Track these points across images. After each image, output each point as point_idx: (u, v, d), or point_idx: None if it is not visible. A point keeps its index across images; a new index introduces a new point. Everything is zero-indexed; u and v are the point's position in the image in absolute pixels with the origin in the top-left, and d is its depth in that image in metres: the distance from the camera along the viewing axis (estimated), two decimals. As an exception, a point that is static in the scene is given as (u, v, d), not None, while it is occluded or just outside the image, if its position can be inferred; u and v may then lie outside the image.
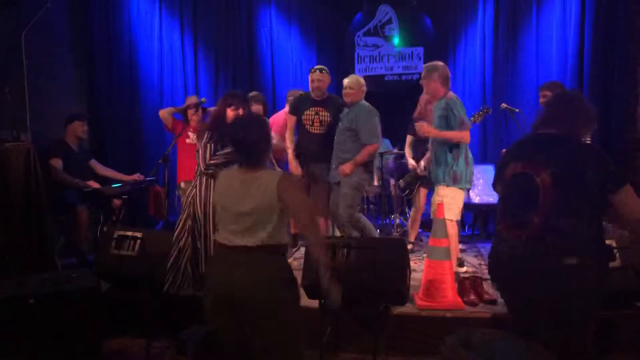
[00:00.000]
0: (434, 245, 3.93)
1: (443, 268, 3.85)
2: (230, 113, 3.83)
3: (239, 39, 7.28)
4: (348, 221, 4.71)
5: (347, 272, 3.41)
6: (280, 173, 2.56)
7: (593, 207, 2.39)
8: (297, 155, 5.05)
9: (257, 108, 5.32)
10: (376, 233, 5.00)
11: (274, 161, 4.90)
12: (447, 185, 4.31)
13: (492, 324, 3.51)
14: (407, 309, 3.72)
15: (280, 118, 5.51)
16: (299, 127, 5.04)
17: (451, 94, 4.40)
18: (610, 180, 2.35)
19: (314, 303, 3.43)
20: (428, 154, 4.85)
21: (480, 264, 4.97)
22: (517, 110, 5.29)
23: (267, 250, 2.44)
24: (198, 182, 3.92)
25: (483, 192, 5.85)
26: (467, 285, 3.93)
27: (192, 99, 5.55)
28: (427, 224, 5.31)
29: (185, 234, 3.89)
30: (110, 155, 6.44)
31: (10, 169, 4.13)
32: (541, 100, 4.86)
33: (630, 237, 3.81)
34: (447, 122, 4.28)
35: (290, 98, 5.60)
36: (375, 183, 5.81)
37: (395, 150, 6.12)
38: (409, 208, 6.49)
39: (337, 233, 5.01)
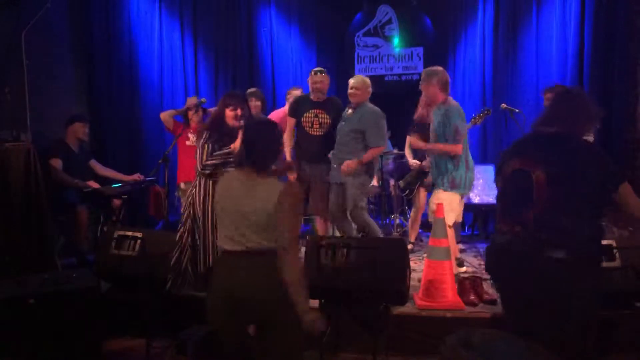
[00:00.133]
0: (434, 245, 3.93)
1: (443, 268, 3.85)
2: (229, 113, 3.84)
3: (239, 39, 7.28)
4: (361, 222, 4.74)
5: (347, 272, 3.42)
6: (284, 183, 2.52)
7: (591, 206, 2.42)
8: (297, 157, 5.05)
9: (256, 104, 5.31)
10: (381, 234, 5.00)
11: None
12: (445, 190, 4.33)
13: (492, 324, 3.52)
14: (407, 309, 3.72)
15: (279, 116, 5.51)
16: (299, 129, 5.04)
17: (451, 101, 4.38)
18: (610, 180, 2.40)
19: (314, 303, 3.43)
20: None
21: (480, 264, 4.97)
22: (517, 110, 5.29)
23: (268, 253, 2.43)
24: (197, 183, 3.92)
25: (483, 192, 5.85)
26: (467, 285, 3.93)
27: (192, 100, 5.55)
28: (427, 224, 5.31)
29: (186, 233, 3.89)
30: (110, 155, 6.44)
31: (10, 169, 4.13)
32: (545, 103, 4.88)
33: (631, 237, 3.82)
34: (444, 130, 4.30)
35: (290, 97, 5.60)
36: (375, 183, 5.80)
37: (395, 151, 6.12)
38: (409, 208, 6.49)
39: (337, 233, 5.01)
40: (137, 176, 5.43)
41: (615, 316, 3.44)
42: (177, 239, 3.87)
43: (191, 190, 3.96)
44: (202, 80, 7.23)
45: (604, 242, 3.45)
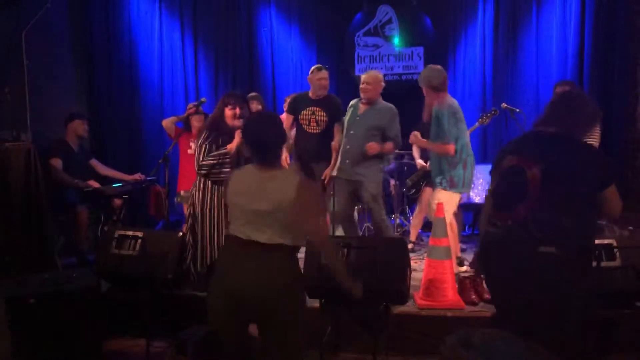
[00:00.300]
0: (434, 245, 3.93)
1: (443, 267, 3.85)
2: (228, 112, 3.83)
3: (239, 39, 7.28)
4: (378, 218, 4.75)
5: (347, 271, 3.41)
6: (299, 174, 2.54)
7: (585, 206, 2.46)
8: (298, 157, 5.05)
9: (257, 108, 5.32)
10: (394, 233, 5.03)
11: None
12: (445, 189, 4.34)
13: (492, 323, 3.51)
14: (407, 308, 3.72)
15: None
16: (297, 127, 5.04)
17: (445, 102, 4.35)
18: (604, 182, 2.47)
19: (314, 302, 3.43)
20: None
21: (480, 264, 4.96)
22: (517, 110, 5.29)
23: (279, 250, 2.43)
24: (197, 182, 3.93)
25: (483, 191, 5.85)
26: (467, 284, 3.93)
27: (193, 104, 5.54)
28: (428, 224, 5.32)
29: (188, 233, 3.91)
30: (110, 155, 6.45)
31: (10, 168, 4.13)
32: (555, 98, 4.88)
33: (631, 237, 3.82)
34: (436, 131, 4.33)
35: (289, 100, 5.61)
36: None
37: (395, 151, 6.12)
38: (409, 208, 6.50)
39: (337, 233, 5.00)
40: (137, 176, 5.43)
41: (615, 316, 3.44)
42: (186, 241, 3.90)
43: (192, 190, 3.97)
44: (202, 80, 7.23)
45: (605, 241, 3.46)
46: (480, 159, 6.26)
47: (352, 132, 4.76)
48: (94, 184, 5.20)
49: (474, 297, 3.85)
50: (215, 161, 3.76)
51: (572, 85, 5.02)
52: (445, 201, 4.23)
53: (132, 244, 3.87)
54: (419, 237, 5.77)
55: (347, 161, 4.74)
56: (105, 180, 5.41)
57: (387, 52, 7.20)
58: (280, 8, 7.35)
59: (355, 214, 5.43)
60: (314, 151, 4.94)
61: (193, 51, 7.16)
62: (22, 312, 3.11)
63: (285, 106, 5.58)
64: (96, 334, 3.39)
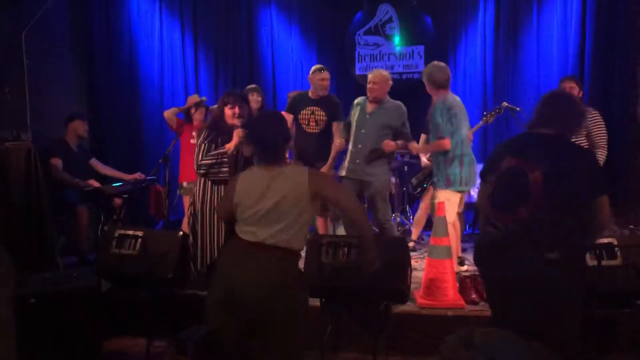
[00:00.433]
0: (435, 244, 3.93)
1: (444, 267, 3.85)
2: (228, 112, 3.82)
3: (239, 39, 7.27)
4: (384, 217, 4.74)
5: (348, 271, 3.41)
6: (307, 169, 2.56)
7: (584, 208, 2.48)
8: (298, 156, 5.04)
9: (257, 99, 5.29)
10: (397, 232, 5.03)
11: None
12: (441, 188, 4.35)
13: (492, 322, 3.51)
14: (408, 307, 3.72)
15: None
16: (296, 127, 5.03)
17: (442, 97, 4.37)
18: (594, 188, 2.48)
19: (315, 302, 3.42)
20: None
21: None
22: (517, 109, 5.29)
23: (280, 252, 2.44)
24: (198, 182, 3.93)
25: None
26: (468, 283, 3.92)
27: (193, 98, 5.54)
28: (429, 223, 5.32)
29: (190, 232, 3.91)
30: (110, 154, 6.44)
31: (10, 168, 4.13)
32: None
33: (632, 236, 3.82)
34: (432, 126, 4.36)
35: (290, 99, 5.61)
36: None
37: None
38: (410, 207, 6.49)
39: (337, 232, 5.00)
40: (137, 175, 5.42)
41: (616, 315, 3.43)
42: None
43: (193, 189, 3.98)
44: (203, 79, 7.23)
45: (605, 240, 3.45)
46: (481, 158, 6.24)
47: (363, 131, 4.71)
48: (94, 183, 5.19)
49: (474, 296, 3.85)
50: (213, 161, 3.75)
51: (576, 80, 5.01)
52: (444, 200, 4.23)
53: (133, 243, 3.86)
54: (420, 237, 5.76)
55: (358, 161, 4.70)
56: (106, 180, 5.41)
57: (388, 51, 7.19)
58: (281, 7, 7.34)
59: None
60: (313, 151, 4.94)
61: (193, 51, 7.16)
62: (22, 311, 3.11)
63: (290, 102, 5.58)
64: (96, 333, 3.39)
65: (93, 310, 3.35)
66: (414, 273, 3.96)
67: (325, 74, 4.93)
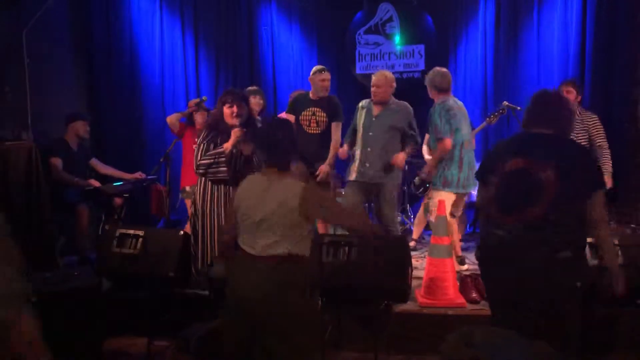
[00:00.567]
0: (436, 243, 3.93)
1: (444, 266, 3.85)
2: (226, 111, 3.80)
3: (240, 38, 7.27)
4: (391, 220, 4.75)
5: (348, 270, 3.41)
6: (302, 185, 2.52)
7: (587, 206, 2.51)
8: (300, 157, 5.04)
9: (259, 102, 5.29)
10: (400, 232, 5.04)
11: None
12: (438, 189, 4.37)
13: (492, 322, 3.51)
14: (408, 306, 3.72)
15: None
16: (297, 128, 5.02)
17: (442, 100, 4.40)
18: (593, 184, 2.52)
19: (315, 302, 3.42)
20: None
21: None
22: (518, 108, 5.29)
23: (282, 259, 2.44)
24: (199, 181, 3.93)
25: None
26: (468, 282, 3.93)
27: (194, 101, 5.52)
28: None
29: (191, 232, 3.92)
30: (110, 154, 6.43)
31: (11, 167, 4.14)
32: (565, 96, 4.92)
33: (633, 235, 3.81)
34: (431, 128, 4.40)
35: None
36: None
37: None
38: (411, 206, 6.49)
39: (338, 231, 4.99)
40: (138, 174, 5.41)
41: (616, 314, 3.44)
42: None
43: (194, 189, 3.98)
44: (203, 78, 7.22)
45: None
46: (482, 157, 6.25)
47: (370, 134, 4.69)
48: (95, 182, 5.19)
49: (475, 295, 3.85)
50: (211, 160, 3.74)
51: (574, 84, 5.08)
52: (443, 201, 4.23)
53: (133, 242, 3.87)
54: (420, 236, 5.76)
55: (368, 164, 4.67)
56: (106, 179, 5.40)
57: (388, 50, 7.19)
58: (281, 6, 7.34)
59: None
60: (313, 152, 4.92)
61: (194, 50, 7.15)
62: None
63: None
64: (97, 332, 3.39)
65: (94, 310, 3.35)
66: (415, 272, 3.97)
67: (326, 75, 4.93)
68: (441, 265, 3.85)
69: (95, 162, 5.50)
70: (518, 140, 2.77)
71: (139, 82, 6.77)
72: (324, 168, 4.84)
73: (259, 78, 7.18)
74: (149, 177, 5.41)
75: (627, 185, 5.29)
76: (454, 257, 4.09)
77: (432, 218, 4.26)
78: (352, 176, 4.76)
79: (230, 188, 3.72)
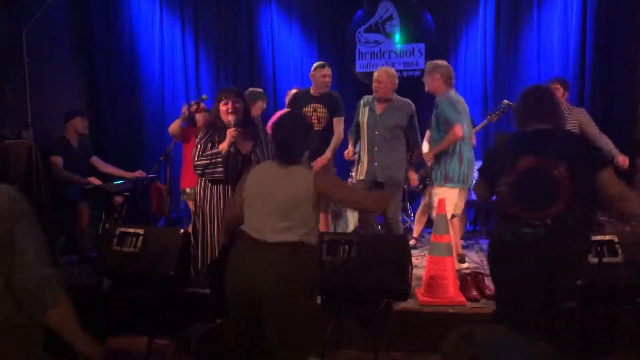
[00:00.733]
0: (436, 242, 3.93)
1: (445, 264, 3.85)
2: (222, 108, 3.76)
3: (240, 36, 7.27)
4: (394, 218, 4.77)
5: (349, 268, 3.41)
6: (312, 170, 2.61)
7: (588, 193, 2.61)
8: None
9: (262, 106, 5.30)
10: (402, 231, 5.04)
11: None
12: (440, 184, 4.35)
13: (493, 319, 3.50)
14: (409, 304, 3.72)
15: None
16: None
17: (449, 92, 4.39)
18: (596, 163, 2.60)
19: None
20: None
21: (482, 260, 4.96)
22: (518, 106, 5.27)
23: (289, 248, 2.45)
24: (199, 181, 3.92)
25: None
26: (469, 281, 3.93)
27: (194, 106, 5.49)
28: (430, 221, 5.32)
29: (192, 231, 3.91)
30: (111, 152, 6.43)
31: (11, 166, 4.12)
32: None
33: (633, 233, 3.81)
34: (437, 120, 4.35)
35: (289, 98, 5.61)
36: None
37: None
38: (411, 204, 6.49)
39: (338, 229, 5.00)
40: (138, 173, 5.41)
41: (617, 312, 3.43)
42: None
43: (194, 190, 3.98)
44: (203, 77, 7.22)
45: (607, 237, 3.45)
46: (482, 155, 6.24)
47: (376, 132, 4.70)
48: (95, 181, 5.19)
49: (475, 293, 3.85)
50: (207, 161, 3.71)
51: (562, 81, 5.14)
52: (442, 196, 4.23)
53: (134, 241, 3.87)
54: (420, 234, 5.76)
55: (376, 163, 4.69)
56: (107, 178, 5.40)
57: (388, 48, 7.19)
58: (281, 5, 7.34)
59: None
60: (315, 148, 4.91)
61: (194, 49, 7.15)
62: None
63: (287, 99, 5.58)
64: (97, 331, 3.37)
65: (94, 309, 3.34)
66: (415, 270, 3.97)
67: (327, 71, 4.94)
68: (441, 264, 3.85)
69: (95, 160, 5.50)
70: (521, 139, 2.76)
71: (139, 82, 6.77)
72: (319, 162, 4.83)
73: (259, 77, 7.18)
74: (149, 175, 5.41)
75: (627, 185, 5.28)
76: (454, 256, 4.09)
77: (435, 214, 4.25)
78: (362, 176, 4.78)
79: (229, 187, 3.71)
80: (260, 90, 5.60)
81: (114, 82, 6.66)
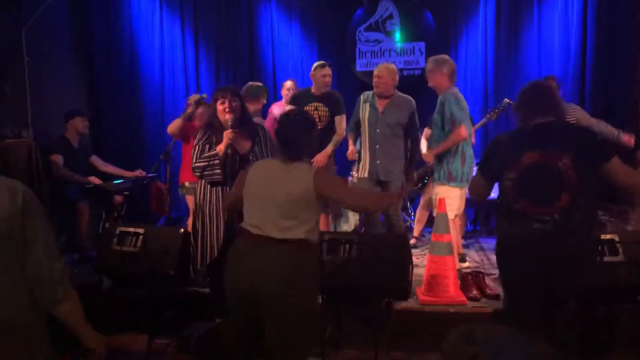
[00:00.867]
0: (436, 241, 3.93)
1: (445, 263, 3.84)
2: (219, 107, 3.74)
3: (240, 35, 7.26)
4: (396, 216, 4.78)
5: (349, 267, 3.41)
6: (314, 168, 2.60)
7: (594, 185, 2.62)
8: None
9: (262, 102, 5.30)
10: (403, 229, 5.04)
11: None
12: (442, 183, 4.33)
13: (494, 319, 3.51)
14: (409, 304, 3.72)
15: (279, 106, 5.51)
16: None
17: (453, 89, 4.38)
18: (601, 155, 2.61)
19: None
20: None
21: (482, 260, 4.96)
22: (519, 105, 5.27)
23: (289, 245, 2.44)
24: (199, 182, 3.92)
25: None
26: (469, 280, 3.92)
27: (193, 98, 5.49)
28: (431, 219, 5.31)
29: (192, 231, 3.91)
30: (111, 152, 6.42)
31: (11, 165, 4.13)
32: None
33: (633, 232, 3.81)
34: (441, 118, 4.31)
35: (284, 89, 5.65)
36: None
37: None
38: (411, 204, 6.49)
39: (339, 229, 5.00)
40: (138, 172, 5.41)
41: (618, 311, 3.43)
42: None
43: (193, 184, 3.98)
44: (203, 77, 7.21)
45: (607, 236, 3.45)
46: (482, 153, 6.24)
47: (378, 130, 4.67)
48: (95, 180, 5.19)
49: (476, 292, 3.85)
50: (205, 163, 3.70)
51: (554, 79, 5.15)
52: (445, 196, 4.22)
53: (134, 240, 3.87)
54: (421, 233, 5.76)
55: (378, 162, 4.67)
56: (106, 177, 5.40)
57: (389, 47, 7.18)
58: (281, 4, 7.33)
59: None
60: (317, 147, 4.90)
61: (194, 48, 7.14)
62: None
63: (284, 92, 5.56)
64: (97, 330, 3.38)
65: (94, 308, 3.33)
66: (416, 270, 3.96)
67: (327, 71, 4.93)
68: (442, 263, 3.84)
69: (95, 160, 5.49)
70: (525, 134, 2.75)
71: (139, 80, 6.77)
72: (319, 157, 4.83)
73: (259, 76, 7.16)
74: (149, 174, 5.40)
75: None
76: (455, 255, 4.08)
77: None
78: (364, 173, 4.76)
79: (227, 189, 3.70)
80: (260, 84, 5.59)
81: (114, 81, 6.65)
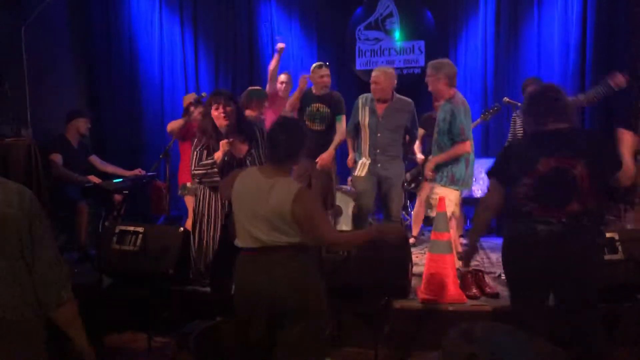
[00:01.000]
0: (436, 239, 3.92)
1: (445, 262, 3.84)
2: (214, 112, 3.73)
3: (240, 34, 7.26)
4: (397, 217, 4.80)
5: (349, 266, 3.41)
6: (298, 186, 2.49)
7: (605, 190, 2.69)
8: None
9: (265, 105, 5.29)
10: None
11: None
12: (444, 185, 4.31)
13: (494, 317, 3.51)
14: (409, 302, 3.72)
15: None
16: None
17: (459, 97, 4.31)
18: (613, 165, 2.70)
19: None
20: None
21: (482, 258, 4.96)
22: (519, 104, 5.28)
23: (283, 249, 2.43)
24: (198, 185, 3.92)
25: (485, 186, 5.83)
26: (469, 278, 3.92)
27: (189, 97, 5.47)
28: (429, 219, 5.31)
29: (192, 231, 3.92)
30: (110, 151, 6.43)
31: (10, 164, 4.13)
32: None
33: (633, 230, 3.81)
34: (449, 127, 4.22)
35: (278, 82, 5.63)
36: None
37: None
38: (411, 203, 6.48)
39: (339, 228, 5.00)
40: (138, 171, 5.41)
41: (617, 309, 3.43)
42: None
43: (195, 189, 3.98)
44: (203, 75, 7.21)
45: (607, 234, 3.45)
46: (482, 153, 6.25)
47: (379, 135, 4.63)
48: (94, 179, 5.18)
49: (475, 291, 3.85)
50: (204, 171, 3.71)
51: (540, 81, 5.07)
52: (443, 195, 4.21)
53: (133, 239, 3.87)
54: (420, 232, 5.76)
55: (379, 165, 4.66)
56: (106, 176, 5.40)
57: (388, 45, 7.17)
58: (281, 2, 7.33)
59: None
60: (315, 147, 4.89)
61: (193, 46, 7.14)
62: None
63: (278, 85, 5.53)
64: (97, 329, 3.38)
65: (94, 306, 3.34)
66: (415, 268, 3.97)
67: (325, 71, 4.92)
68: (441, 261, 3.84)
69: (94, 159, 5.49)
70: (540, 140, 2.74)
71: (138, 79, 6.77)
72: (324, 156, 4.84)
73: (259, 75, 7.16)
74: (148, 174, 5.40)
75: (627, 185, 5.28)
76: (454, 253, 4.08)
77: (434, 214, 4.22)
78: (363, 172, 4.72)
79: None
80: (260, 88, 5.59)
81: (114, 80, 6.66)
